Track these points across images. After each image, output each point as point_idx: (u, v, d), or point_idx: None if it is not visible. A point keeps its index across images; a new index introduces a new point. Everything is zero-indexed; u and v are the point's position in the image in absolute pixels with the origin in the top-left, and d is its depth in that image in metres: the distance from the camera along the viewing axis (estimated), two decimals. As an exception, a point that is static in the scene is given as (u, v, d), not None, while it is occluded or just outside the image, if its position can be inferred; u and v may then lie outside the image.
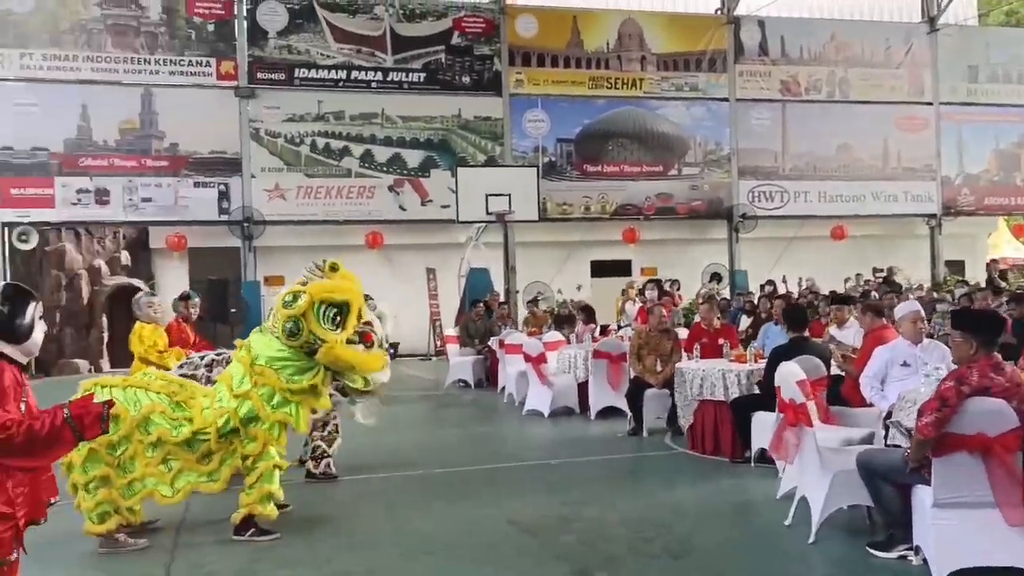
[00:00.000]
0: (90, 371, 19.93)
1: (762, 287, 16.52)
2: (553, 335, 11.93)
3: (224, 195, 20.58)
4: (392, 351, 7.69)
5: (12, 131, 19.35)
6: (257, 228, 20.54)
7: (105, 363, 20.36)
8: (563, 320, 13.00)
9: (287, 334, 5.61)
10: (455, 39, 22.16)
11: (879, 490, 4.82)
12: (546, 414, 10.43)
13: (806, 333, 7.68)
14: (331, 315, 5.70)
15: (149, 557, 5.39)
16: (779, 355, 6.93)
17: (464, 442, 9.37)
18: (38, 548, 5.40)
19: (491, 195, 18.91)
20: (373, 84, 21.63)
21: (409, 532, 5.75)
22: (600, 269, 23.32)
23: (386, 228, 21.64)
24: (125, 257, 20.97)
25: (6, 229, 19.33)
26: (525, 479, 7.34)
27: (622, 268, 22.84)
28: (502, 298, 19.15)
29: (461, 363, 14.17)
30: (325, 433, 7.24)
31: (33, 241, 19.60)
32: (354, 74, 21.49)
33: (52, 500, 3.62)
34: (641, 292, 14.38)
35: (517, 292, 21.83)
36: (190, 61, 20.51)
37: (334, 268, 5.95)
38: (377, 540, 5.59)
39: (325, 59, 21.32)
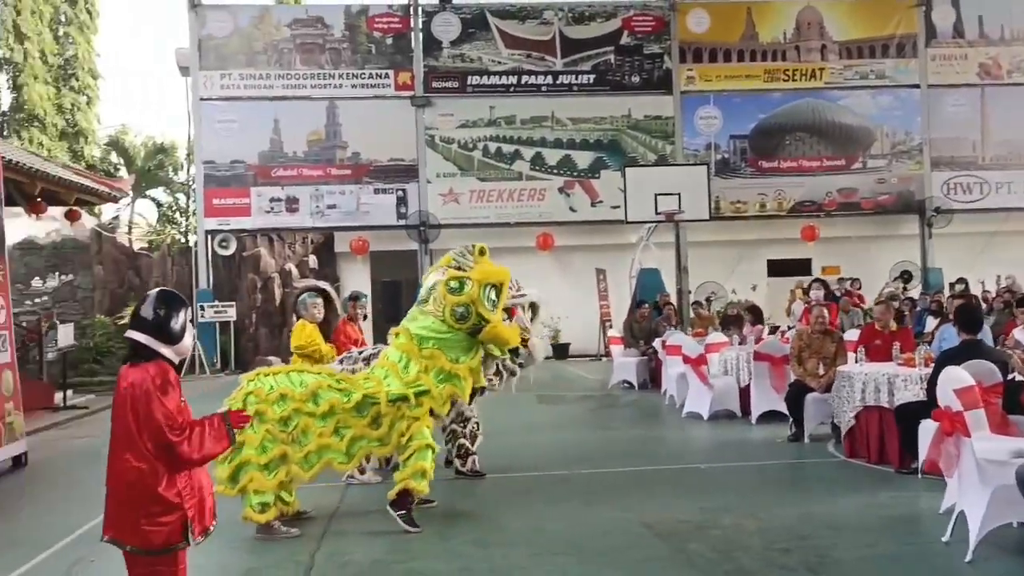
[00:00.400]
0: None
1: (951, 286, 15.37)
2: (716, 336, 11.62)
3: (402, 200, 21.45)
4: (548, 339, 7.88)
5: (214, 146, 21.05)
6: (432, 231, 21.23)
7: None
8: (730, 321, 12.63)
9: (457, 318, 5.87)
10: (624, 39, 22.05)
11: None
12: (705, 417, 10.17)
13: (979, 336, 7.06)
14: (492, 297, 5.94)
15: (299, 545, 5.69)
16: (947, 359, 6.43)
17: (613, 443, 9.29)
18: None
19: (660, 195, 18.63)
20: (543, 88, 21.89)
21: (543, 532, 5.77)
22: (777, 268, 22.45)
23: (557, 230, 21.82)
24: (313, 261, 22.25)
25: (209, 236, 21.02)
26: (669, 483, 7.18)
27: (801, 267, 21.88)
28: (673, 298, 18.84)
29: (625, 364, 14.06)
30: (467, 431, 7.39)
31: (232, 247, 21.21)
32: (524, 79, 21.83)
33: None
34: (806, 291, 13.71)
35: (689, 292, 21.40)
36: (370, 74, 21.53)
37: (483, 252, 6.18)
38: (510, 538, 5.65)
39: (496, 65, 21.78)
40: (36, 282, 21.92)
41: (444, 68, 21.72)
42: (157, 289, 3.98)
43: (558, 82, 21.92)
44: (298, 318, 8.25)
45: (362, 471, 7.28)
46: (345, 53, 21.62)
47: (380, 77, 21.57)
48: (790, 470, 7.75)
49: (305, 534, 5.95)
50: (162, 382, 3.60)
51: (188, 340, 3.83)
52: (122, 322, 20.31)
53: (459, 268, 6.09)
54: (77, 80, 28.35)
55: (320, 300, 8.77)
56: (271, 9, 21.98)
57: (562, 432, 10.04)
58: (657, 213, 18.77)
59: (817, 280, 10.53)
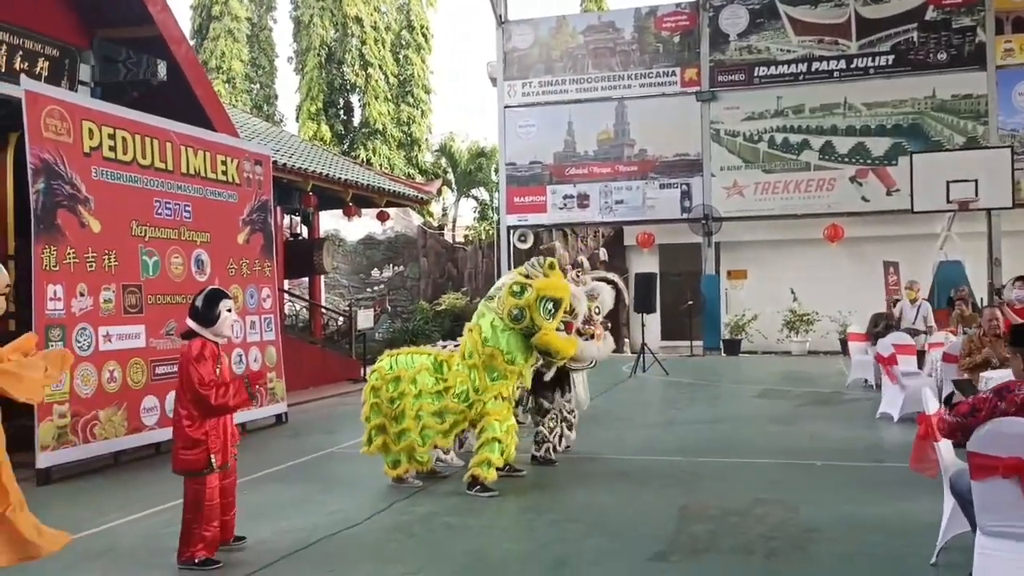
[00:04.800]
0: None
1: None
2: (940, 336, 11.02)
3: (686, 194, 21.97)
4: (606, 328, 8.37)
5: (516, 149, 23.15)
6: (716, 224, 21.48)
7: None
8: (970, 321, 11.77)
9: (512, 318, 6.78)
10: (929, 14, 20.51)
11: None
12: (896, 418, 9.81)
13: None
14: (549, 307, 6.76)
15: (413, 494, 6.90)
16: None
17: (762, 437, 9.42)
18: (333, 482, 7.42)
19: (953, 182, 17.29)
20: (836, 73, 21.11)
21: (589, 509, 6.38)
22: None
23: (847, 220, 20.97)
24: (603, 253, 23.53)
25: (510, 232, 23.20)
26: (760, 475, 7.41)
27: None
28: (983, 294, 17.38)
29: (863, 362, 13.55)
30: (545, 422, 8.10)
31: (529, 241, 23.19)
32: (815, 65, 21.22)
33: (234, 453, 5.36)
34: (998, 292, 12.08)
35: (1001, 287, 19.42)
36: (657, 72, 22.28)
37: (552, 267, 6.98)
38: (567, 515, 6.33)
39: (785, 54, 21.41)
40: (375, 272, 25.73)
41: (731, 61, 21.80)
42: (208, 287, 5.50)
43: (852, 66, 20.97)
44: None
45: (446, 451, 7.89)
46: (634, 54, 22.56)
47: (667, 75, 22.22)
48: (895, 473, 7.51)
49: (425, 488, 7.14)
50: (198, 354, 5.08)
51: (222, 326, 5.25)
52: (440, 308, 23.28)
53: (527, 276, 6.94)
54: (413, 96, 32.36)
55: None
56: (568, 18, 23.52)
57: (729, 424, 10.32)
58: (949, 202, 17.45)
59: (1019, 279, 9.45)
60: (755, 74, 21.61)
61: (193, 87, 11.47)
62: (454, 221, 27.97)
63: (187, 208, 9.51)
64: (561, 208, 22.83)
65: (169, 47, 11.14)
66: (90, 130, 8.27)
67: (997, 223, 19.22)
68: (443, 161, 30.05)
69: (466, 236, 27.09)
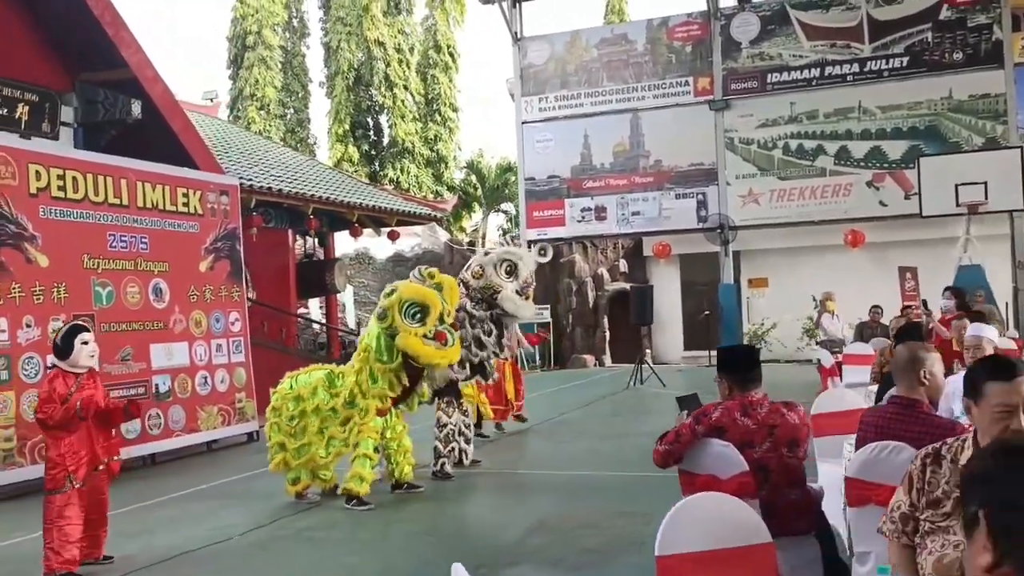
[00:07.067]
0: (595, 365, 23.08)
1: None
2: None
3: (702, 204, 21.91)
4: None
5: (534, 164, 23.43)
6: (732, 232, 21.38)
7: (607, 358, 23.31)
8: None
9: (378, 316, 7.18)
10: (943, 13, 20.05)
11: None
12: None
13: None
14: (414, 311, 7.08)
15: (304, 509, 7.32)
16: None
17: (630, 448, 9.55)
18: (244, 498, 7.86)
19: (961, 184, 16.92)
20: (849, 77, 20.79)
21: (452, 523, 6.69)
22: None
23: (868, 225, 20.62)
24: (623, 265, 23.64)
25: (530, 246, 23.46)
26: (656, 487, 7.54)
27: None
28: (1007, 298, 16.95)
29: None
30: (441, 435, 8.38)
31: (549, 255, 23.31)
32: (828, 70, 20.95)
33: (104, 461, 5.83)
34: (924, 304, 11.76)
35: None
36: (670, 83, 22.30)
37: (431, 276, 7.34)
38: (426, 527, 6.66)
39: (797, 60, 21.21)
40: (403, 288, 26.31)
41: (743, 69, 21.69)
42: (68, 324, 6.00)
43: (866, 69, 20.63)
44: None
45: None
46: (647, 66, 22.63)
47: (680, 85, 22.22)
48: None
49: (323, 504, 7.56)
50: (47, 385, 5.59)
51: (81, 356, 5.74)
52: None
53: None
54: (440, 114, 32.99)
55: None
56: (581, 32, 23.70)
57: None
58: (958, 205, 17.08)
59: (948, 288, 9.20)
60: (768, 81, 21.44)
61: (169, 122, 12.16)
62: (483, 236, 28.44)
63: (143, 240, 10.14)
64: (579, 221, 23.00)
65: (144, 87, 11.85)
66: (37, 172, 8.94)
67: (1020, 225, 18.70)
68: (472, 178, 30.59)
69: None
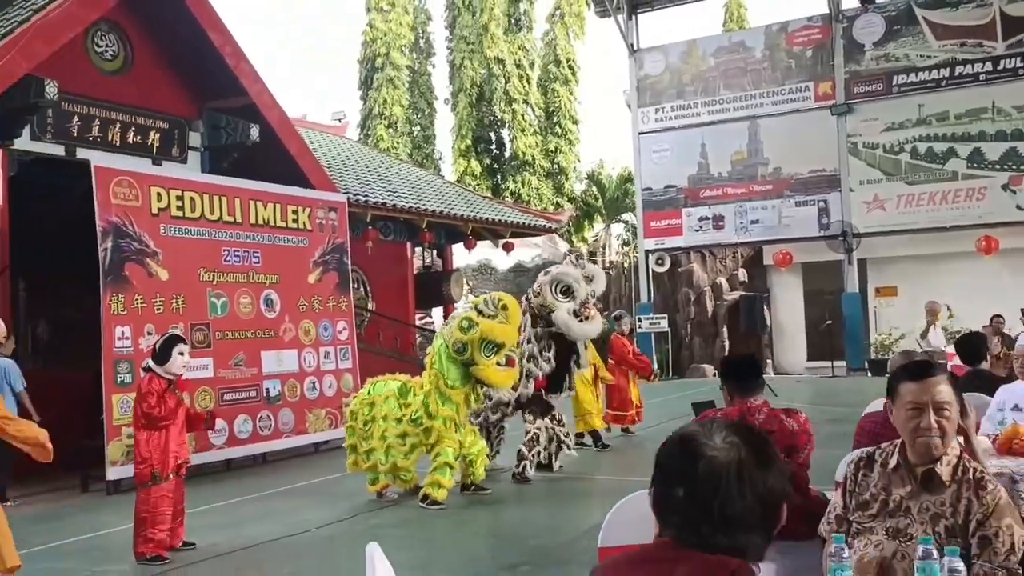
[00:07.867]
0: (714, 375, 22.78)
1: None
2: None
3: (824, 211, 21.35)
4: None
5: (651, 174, 23.44)
6: (856, 240, 20.73)
7: (727, 369, 22.93)
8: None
9: (455, 350, 7.52)
10: (1085, 5, 18.85)
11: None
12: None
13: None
14: (491, 348, 7.45)
15: (382, 507, 7.77)
16: None
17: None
18: (331, 496, 8.39)
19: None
20: (981, 76, 19.83)
21: (510, 525, 6.93)
22: None
23: (1001, 231, 19.55)
24: (743, 274, 23.25)
25: (648, 255, 23.49)
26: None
27: None
28: None
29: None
30: (526, 440, 8.58)
31: (667, 264, 23.37)
32: (958, 70, 20.05)
33: (186, 460, 6.47)
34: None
35: None
36: (790, 89, 21.87)
37: (504, 308, 7.62)
38: (487, 528, 6.94)
39: (925, 60, 20.39)
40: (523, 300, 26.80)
41: (867, 72, 21.01)
42: (168, 333, 6.64)
43: (999, 68, 19.61)
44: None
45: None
46: (765, 72, 22.25)
47: (800, 91, 21.74)
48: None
49: (401, 502, 8.01)
50: (145, 388, 6.24)
51: (173, 365, 6.36)
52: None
53: (480, 313, 7.59)
54: (560, 127, 33.30)
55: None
56: (697, 42, 23.53)
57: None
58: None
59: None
60: (893, 83, 20.69)
61: (285, 144, 13.03)
62: (604, 247, 28.58)
63: (256, 254, 10.95)
64: (697, 230, 22.83)
65: (262, 112, 12.76)
66: (158, 194, 9.86)
67: None
68: (593, 189, 30.77)
69: (611, 261, 27.61)
